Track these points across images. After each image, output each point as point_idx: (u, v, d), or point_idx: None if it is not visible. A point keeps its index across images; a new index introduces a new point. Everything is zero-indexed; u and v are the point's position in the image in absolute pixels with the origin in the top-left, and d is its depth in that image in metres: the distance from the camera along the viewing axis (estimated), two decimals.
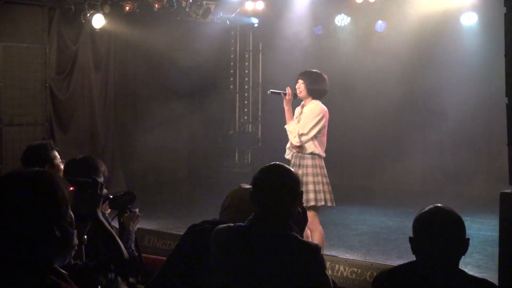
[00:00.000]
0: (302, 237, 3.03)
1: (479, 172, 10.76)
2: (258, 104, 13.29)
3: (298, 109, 6.44)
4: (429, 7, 10.16)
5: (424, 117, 11.22)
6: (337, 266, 5.58)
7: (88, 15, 9.82)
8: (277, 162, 3.07)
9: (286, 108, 6.38)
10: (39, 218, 1.76)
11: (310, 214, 5.55)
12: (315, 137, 6.13)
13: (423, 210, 2.77)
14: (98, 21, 9.86)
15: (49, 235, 1.77)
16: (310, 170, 6.12)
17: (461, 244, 2.67)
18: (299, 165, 6.15)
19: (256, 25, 12.36)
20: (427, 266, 2.66)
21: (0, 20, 9.43)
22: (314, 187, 6.05)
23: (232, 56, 13.17)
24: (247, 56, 13.18)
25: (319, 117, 6.15)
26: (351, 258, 6.14)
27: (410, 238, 2.74)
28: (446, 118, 10.89)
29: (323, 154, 6.20)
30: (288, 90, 6.36)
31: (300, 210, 3.13)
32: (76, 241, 1.89)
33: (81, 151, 10.53)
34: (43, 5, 9.92)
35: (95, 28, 10.02)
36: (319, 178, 6.09)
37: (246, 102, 13.22)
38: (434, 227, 2.68)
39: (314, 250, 2.88)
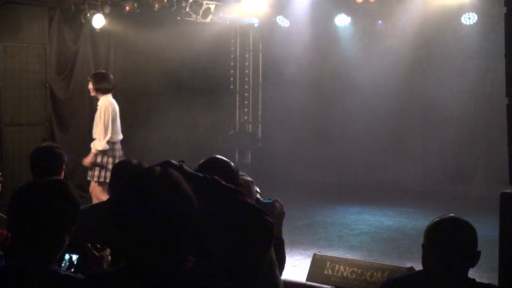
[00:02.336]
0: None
1: (479, 172, 10.76)
2: (258, 104, 13.29)
3: None
4: (429, 7, 10.16)
5: (424, 117, 11.22)
6: (337, 266, 5.58)
7: (88, 15, 9.82)
8: (216, 155, 3.03)
9: None
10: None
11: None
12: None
13: (437, 219, 2.73)
14: (98, 21, 9.86)
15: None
16: None
17: (473, 256, 2.66)
18: None
19: (256, 25, 12.35)
20: (436, 275, 2.64)
21: (0, 20, 9.44)
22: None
23: (232, 56, 13.16)
24: (247, 56, 13.17)
25: (107, 112, 7.61)
26: (351, 258, 6.14)
27: (422, 245, 2.73)
28: (446, 118, 10.89)
29: (112, 139, 7.76)
30: None
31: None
32: None
33: (81, 151, 10.53)
34: (43, 5, 9.93)
35: (95, 28, 10.02)
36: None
37: (246, 102, 13.22)
38: (446, 236, 2.65)
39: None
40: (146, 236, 1.84)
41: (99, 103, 7.75)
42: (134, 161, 3.89)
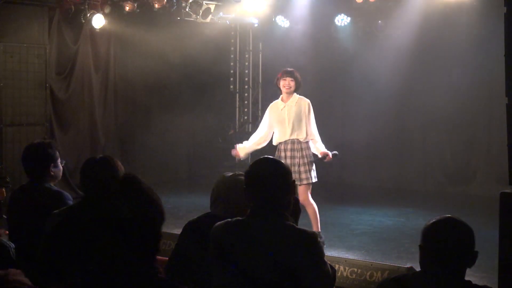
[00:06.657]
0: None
1: (479, 172, 10.75)
2: (258, 104, 13.28)
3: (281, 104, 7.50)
4: (430, 7, 10.15)
5: (424, 116, 11.21)
6: (337, 266, 5.58)
7: (88, 15, 9.83)
8: (267, 156, 3.13)
9: None
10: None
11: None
12: None
13: (434, 219, 2.73)
14: (98, 21, 9.87)
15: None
16: None
17: (469, 256, 2.65)
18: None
19: (256, 25, 12.35)
20: (433, 276, 2.64)
21: (0, 20, 9.44)
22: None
23: (232, 56, 13.16)
24: (247, 56, 13.17)
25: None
26: (351, 258, 6.14)
27: (420, 246, 2.73)
28: (446, 118, 10.88)
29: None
30: None
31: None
32: None
33: (81, 151, 10.55)
34: (43, 5, 9.93)
35: (95, 28, 10.02)
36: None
37: (246, 102, 13.22)
38: (443, 236, 2.64)
39: (311, 237, 2.89)
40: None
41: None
42: (98, 156, 3.90)
